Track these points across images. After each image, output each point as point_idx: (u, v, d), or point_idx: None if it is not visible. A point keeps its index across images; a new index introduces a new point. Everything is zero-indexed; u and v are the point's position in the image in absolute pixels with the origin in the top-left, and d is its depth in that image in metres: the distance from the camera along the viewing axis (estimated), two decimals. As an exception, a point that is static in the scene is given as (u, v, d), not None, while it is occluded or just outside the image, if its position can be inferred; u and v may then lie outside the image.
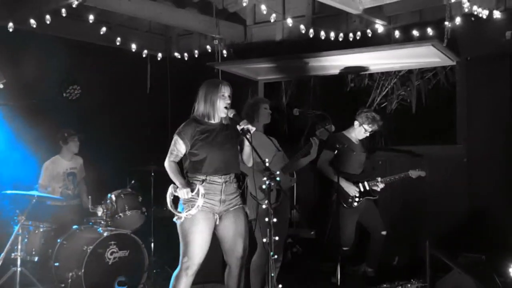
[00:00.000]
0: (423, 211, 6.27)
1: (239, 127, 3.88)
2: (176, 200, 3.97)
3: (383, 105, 7.94)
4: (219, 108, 4.00)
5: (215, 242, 4.13)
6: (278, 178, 3.69)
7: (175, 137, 4.01)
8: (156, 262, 5.52)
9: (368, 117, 5.70)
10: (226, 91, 4.03)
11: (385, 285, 5.39)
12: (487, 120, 6.00)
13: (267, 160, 3.79)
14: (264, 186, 3.70)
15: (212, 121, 4.05)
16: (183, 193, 3.85)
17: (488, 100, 6.00)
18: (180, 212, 3.89)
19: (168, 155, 4.03)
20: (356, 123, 5.74)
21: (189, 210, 3.85)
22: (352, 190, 5.60)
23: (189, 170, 4.03)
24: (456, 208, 6.05)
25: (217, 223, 4.01)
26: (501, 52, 5.85)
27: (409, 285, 5.27)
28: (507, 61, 5.88)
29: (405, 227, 6.32)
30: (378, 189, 5.71)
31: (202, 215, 3.91)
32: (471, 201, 6.01)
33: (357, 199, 5.62)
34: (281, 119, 8.02)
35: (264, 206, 3.76)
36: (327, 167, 5.60)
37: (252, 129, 3.87)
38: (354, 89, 8.08)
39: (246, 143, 3.97)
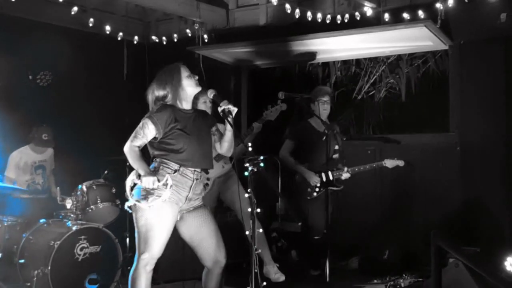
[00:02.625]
0: (414, 203, 6.05)
1: (219, 108, 3.56)
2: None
3: (371, 93, 7.72)
4: (190, 87, 3.68)
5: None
6: (262, 164, 3.34)
7: (146, 120, 3.59)
8: (131, 258, 5.15)
9: (316, 90, 5.51)
10: (188, 70, 3.73)
11: (376, 281, 5.16)
12: (481, 107, 5.76)
13: (250, 144, 3.44)
14: (246, 173, 3.36)
15: (186, 107, 3.70)
16: (149, 182, 3.44)
17: (482, 86, 5.77)
18: (140, 202, 3.49)
19: (131, 138, 3.58)
20: (312, 104, 5.45)
21: (147, 199, 3.48)
22: (312, 179, 5.33)
23: (160, 154, 3.62)
24: (448, 198, 5.84)
25: (178, 219, 3.66)
26: (496, 35, 5.60)
27: (401, 281, 5.04)
28: (501, 44, 5.64)
29: (395, 220, 6.09)
30: (343, 178, 5.42)
31: (169, 208, 3.55)
32: (464, 191, 5.78)
33: (317, 189, 5.35)
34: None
35: (246, 195, 3.41)
36: (288, 157, 5.45)
37: (234, 110, 3.54)
38: (341, 77, 7.83)
39: (228, 127, 3.63)
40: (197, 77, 3.72)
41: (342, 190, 5.47)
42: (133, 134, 3.60)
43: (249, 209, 3.38)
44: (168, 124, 3.57)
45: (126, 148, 3.58)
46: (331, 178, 5.35)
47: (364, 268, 5.86)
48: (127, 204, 3.59)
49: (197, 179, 3.65)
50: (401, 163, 5.39)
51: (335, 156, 5.49)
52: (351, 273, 5.86)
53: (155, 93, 3.69)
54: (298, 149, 5.42)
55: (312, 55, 6.36)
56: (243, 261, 5.36)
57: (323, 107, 5.41)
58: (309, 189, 5.36)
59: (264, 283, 3.38)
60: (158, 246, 3.55)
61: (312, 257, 5.55)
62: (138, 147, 3.59)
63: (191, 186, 3.62)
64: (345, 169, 5.38)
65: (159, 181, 3.47)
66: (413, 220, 5.99)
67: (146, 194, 3.50)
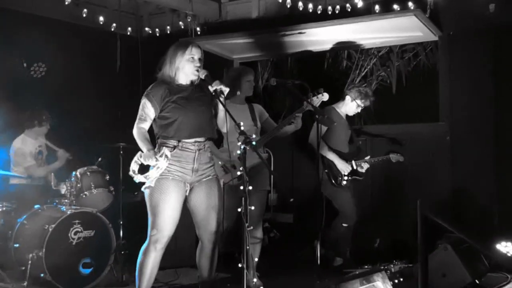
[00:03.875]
0: (404, 192, 6.07)
1: (211, 88, 3.61)
2: (145, 170, 3.66)
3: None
4: (187, 71, 3.72)
5: (189, 224, 3.88)
6: (253, 143, 3.40)
7: (143, 100, 3.70)
8: (124, 245, 5.20)
9: (361, 92, 5.53)
10: (196, 53, 3.74)
11: (366, 267, 5.21)
12: (470, 97, 5.82)
13: (241, 123, 3.49)
14: (238, 152, 3.42)
15: (182, 82, 3.76)
16: (147, 156, 3.55)
17: (471, 76, 5.83)
18: (137, 175, 3.59)
19: (137, 121, 3.71)
20: (348, 98, 5.55)
21: (151, 173, 3.57)
22: (345, 167, 5.41)
23: (160, 135, 3.71)
24: (438, 187, 5.88)
25: (187, 193, 3.73)
26: (485, 26, 5.67)
27: (391, 266, 5.08)
28: (490, 35, 5.71)
29: (385, 209, 6.13)
30: (363, 170, 5.54)
31: (173, 184, 3.63)
32: (454, 180, 5.83)
33: (346, 178, 5.44)
34: (257, 102, 7.79)
35: (238, 173, 3.47)
36: (320, 142, 5.36)
37: (226, 89, 3.60)
38: (332, 70, 7.90)
39: (220, 106, 3.69)
40: (198, 64, 3.73)
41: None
42: (137, 117, 3.71)
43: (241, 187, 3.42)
44: (163, 99, 3.65)
45: (134, 130, 3.69)
46: (355, 167, 5.46)
47: (356, 257, 5.90)
48: (142, 188, 3.68)
49: (199, 149, 3.70)
50: (401, 158, 5.56)
51: (351, 145, 5.64)
52: (343, 262, 5.90)
53: (161, 66, 3.78)
54: (325, 136, 5.39)
55: (303, 45, 6.42)
56: (235, 251, 5.41)
57: (358, 110, 5.60)
58: (339, 177, 5.42)
59: (256, 259, 3.42)
60: (165, 223, 3.61)
61: (338, 245, 5.58)
62: (144, 128, 3.68)
63: (194, 158, 3.68)
64: (367, 159, 5.52)
65: (156, 154, 3.54)
66: (403, 209, 6.01)
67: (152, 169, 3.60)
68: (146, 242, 3.68)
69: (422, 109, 6.84)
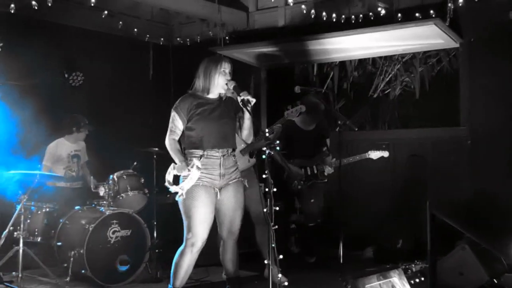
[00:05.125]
0: (426, 194, 6.19)
1: (239, 98, 3.87)
2: (177, 179, 3.95)
3: (386, 92, 7.92)
4: (218, 84, 3.99)
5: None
6: (278, 148, 3.66)
7: (172, 113, 4.01)
8: (158, 244, 5.49)
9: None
10: (226, 67, 4.02)
11: (387, 266, 5.37)
12: (491, 102, 5.94)
13: (266, 130, 3.76)
14: (264, 156, 3.68)
15: (210, 96, 4.04)
16: (180, 168, 3.84)
17: (491, 81, 5.94)
18: (174, 186, 3.86)
19: (168, 133, 4.02)
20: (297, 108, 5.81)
21: (184, 183, 3.83)
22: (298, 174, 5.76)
23: (186, 146, 4.01)
24: (459, 190, 6.01)
25: (218, 197, 4.00)
26: (505, 33, 5.79)
27: (412, 265, 5.25)
28: (510, 41, 5.81)
29: (408, 211, 6.27)
30: (326, 173, 5.83)
31: (203, 190, 3.90)
32: (474, 183, 5.96)
33: (302, 182, 5.77)
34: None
35: (263, 176, 3.72)
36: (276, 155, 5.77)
37: (253, 100, 3.85)
38: (357, 76, 8.06)
39: (247, 115, 3.96)
40: (229, 78, 4.00)
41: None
42: (168, 129, 4.01)
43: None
44: (189, 111, 3.96)
45: (166, 142, 4.00)
46: (315, 171, 5.79)
47: (379, 257, 6.07)
48: (176, 196, 3.94)
49: (223, 155, 3.98)
50: (386, 154, 5.70)
51: (319, 150, 5.92)
52: (366, 262, 6.07)
53: (194, 79, 4.07)
54: (289, 145, 5.69)
55: (328, 53, 6.64)
56: (258, 250, 5.63)
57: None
58: (295, 182, 5.78)
59: (281, 256, 3.64)
60: (198, 227, 3.89)
61: (307, 244, 6.00)
62: (175, 139, 3.99)
63: (220, 164, 3.96)
64: (331, 161, 5.83)
65: (188, 165, 3.83)
66: (425, 211, 6.16)
67: (183, 180, 3.87)
68: (183, 244, 3.96)
69: (444, 114, 6.98)
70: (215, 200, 3.99)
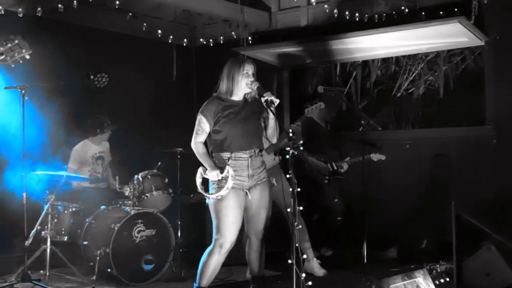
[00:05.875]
0: (451, 193, 6.16)
1: (263, 99, 3.89)
2: (205, 181, 4.00)
3: (410, 91, 7.85)
4: (242, 85, 4.01)
5: (243, 226, 4.12)
6: (301, 148, 3.68)
7: (199, 116, 4.03)
8: (182, 243, 5.54)
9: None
10: (249, 69, 4.03)
11: (412, 266, 5.35)
12: (517, 100, 5.89)
13: (290, 130, 3.77)
14: (287, 156, 3.69)
15: (235, 98, 4.06)
16: (213, 176, 3.88)
17: (517, 80, 5.89)
18: (210, 194, 3.92)
19: (194, 135, 4.04)
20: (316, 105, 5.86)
21: (219, 191, 3.87)
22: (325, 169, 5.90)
23: (213, 148, 4.04)
24: (483, 190, 5.95)
25: (249, 197, 4.03)
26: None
27: (437, 266, 5.22)
28: (536, 39, 5.78)
29: (432, 211, 6.23)
30: (342, 171, 6.00)
31: (232, 192, 3.92)
32: (499, 183, 5.89)
33: (327, 178, 5.94)
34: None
35: (287, 176, 3.74)
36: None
37: (276, 101, 3.86)
38: (381, 76, 8.01)
39: (271, 115, 3.98)
40: (252, 79, 4.02)
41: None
42: (194, 132, 4.05)
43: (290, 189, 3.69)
44: (216, 114, 3.98)
45: (192, 145, 4.03)
46: (335, 168, 5.97)
47: (403, 257, 6.05)
48: (207, 200, 4.02)
49: (251, 156, 4.01)
50: (383, 157, 5.92)
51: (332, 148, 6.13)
52: (390, 261, 6.07)
53: (219, 82, 4.09)
54: (310, 143, 5.67)
55: (351, 52, 6.62)
56: (284, 250, 5.65)
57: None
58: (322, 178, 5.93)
59: (304, 256, 3.66)
60: (228, 228, 3.92)
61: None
62: (201, 142, 4.02)
63: (248, 165, 3.99)
64: (347, 159, 6.03)
65: (221, 173, 3.87)
66: (449, 211, 6.11)
67: (214, 185, 3.94)
68: (212, 244, 4.00)
69: (469, 113, 6.90)
70: (244, 202, 4.01)
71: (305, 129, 5.77)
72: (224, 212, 3.91)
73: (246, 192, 4.01)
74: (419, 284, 3.51)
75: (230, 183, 3.86)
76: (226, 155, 3.97)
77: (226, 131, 3.97)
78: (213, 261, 3.97)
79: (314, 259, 5.38)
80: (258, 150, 4.08)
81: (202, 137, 4.03)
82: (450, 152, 5.96)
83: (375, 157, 5.91)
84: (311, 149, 5.73)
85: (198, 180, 3.97)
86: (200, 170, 3.98)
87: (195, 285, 4.06)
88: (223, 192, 3.87)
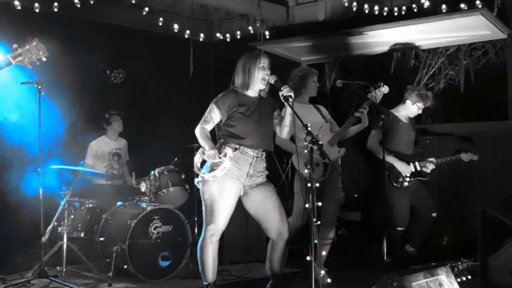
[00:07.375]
0: (472, 190, 6.03)
1: (280, 93, 3.84)
2: (204, 164, 3.95)
3: (430, 85, 7.74)
4: (258, 78, 3.95)
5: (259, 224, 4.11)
6: (320, 142, 3.60)
7: (212, 105, 3.98)
8: (199, 240, 5.49)
9: (422, 95, 5.52)
10: (265, 62, 3.98)
11: (433, 264, 5.26)
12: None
13: (309, 124, 3.70)
14: (306, 151, 3.62)
15: (251, 94, 4.00)
16: (211, 155, 3.79)
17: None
18: (205, 173, 3.84)
19: (201, 122, 3.98)
20: (408, 101, 5.55)
21: (215, 171, 3.80)
22: (405, 169, 5.42)
23: (224, 135, 3.96)
24: (507, 186, 5.79)
25: (242, 193, 3.97)
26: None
27: (459, 263, 5.12)
28: (560, 31, 5.63)
29: (454, 207, 6.14)
30: (428, 171, 5.54)
31: (230, 181, 3.87)
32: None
33: (407, 179, 5.44)
34: (324, 103, 7.92)
35: (306, 171, 3.68)
36: (377, 146, 5.40)
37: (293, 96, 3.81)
38: (400, 70, 7.91)
39: (288, 110, 3.90)
40: (268, 72, 3.96)
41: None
42: (202, 118, 3.99)
43: (309, 184, 3.62)
44: (231, 108, 3.91)
45: (197, 130, 3.96)
46: (418, 168, 5.49)
47: (423, 254, 5.96)
48: (196, 180, 3.93)
49: (257, 157, 3.95)
50: (475, 157, 5.43)
51: (415, 146, 5.65)
52: (410, 258, 5.97)
53: (234, 76, 4.04)
54: (385, 138, 5.30)
55: (369, 47, 6.52)
56: (303, 247, 5.58)
57: (419, 112, 5.60)
58: (400, 179, 5.43)
59: (324, 253, 3.60)
60: (222, 218, 3.88)
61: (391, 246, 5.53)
62: (207, 129, 3.95)
63: (251, 163, 3.93)
64: (432, 159, 5.50)
65: (220, 153, 3.80)
66: (471, 207, 6.02)
67: (211, 167, 3.85)
68: (202, 236, 3.95)
69: (491, 108, 6.77)
70: (239, 193, 3.96)
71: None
72: (221, 201, 3.85)
73: (241, 189, 3.95)
74: (441, 282, 3.42)
75: (227, 163, 3.78)
76: (235, 145, 3.91)
77: (240, 127, 3.91)
78: (209, 252, 3.93)
79: (322, 266, 5.15)
80: (264, 154, 4.02)
81: (209, 126, 3.97)
82: (472, 147, 5.82)
83: (466, 157, 5.48)
84: (387, 146, 5.29)
85: (198, 161, 3.91)
86: (199, 151, 3.92)
87: (205, 283, 4.03)
88: (218, 172, 3.79)
